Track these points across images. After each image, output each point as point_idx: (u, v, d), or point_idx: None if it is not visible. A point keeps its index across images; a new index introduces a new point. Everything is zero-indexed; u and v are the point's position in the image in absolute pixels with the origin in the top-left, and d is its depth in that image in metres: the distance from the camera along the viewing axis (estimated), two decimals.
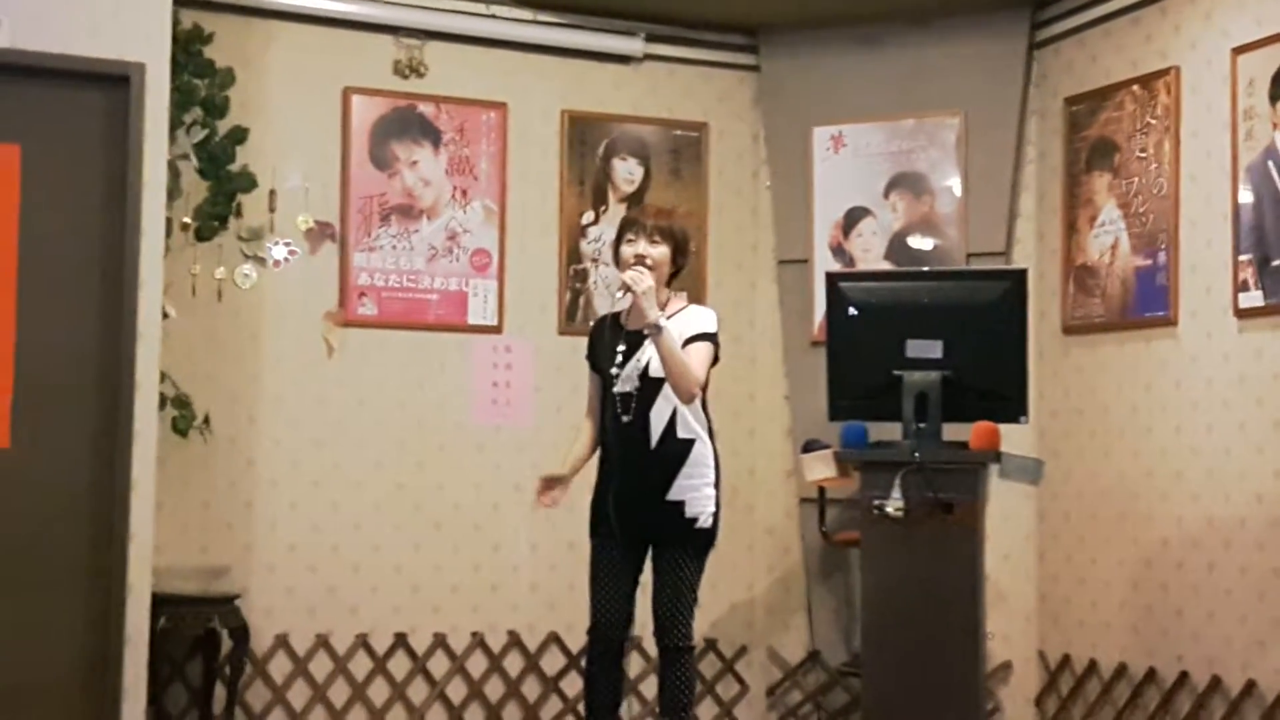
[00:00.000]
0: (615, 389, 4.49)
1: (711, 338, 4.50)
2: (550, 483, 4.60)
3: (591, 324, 4.92)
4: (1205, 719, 5.13)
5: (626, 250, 4.52)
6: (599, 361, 4.59)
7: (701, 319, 4.54)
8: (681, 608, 4.44)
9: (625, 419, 4.46)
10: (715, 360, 4.53)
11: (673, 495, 4.44)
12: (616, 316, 4.60)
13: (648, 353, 4.44)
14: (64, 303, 4.97)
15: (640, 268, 4.44)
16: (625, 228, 4.60)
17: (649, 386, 4.45)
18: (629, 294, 4.41)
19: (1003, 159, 6.06)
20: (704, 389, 4.51)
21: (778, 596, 6.36)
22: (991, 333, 4.79)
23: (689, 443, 4.46)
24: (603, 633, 4.53)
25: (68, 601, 4.93)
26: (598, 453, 4.66)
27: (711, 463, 4.52)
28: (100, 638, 4.93)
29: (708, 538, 4.50)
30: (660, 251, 4.51)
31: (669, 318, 4.43)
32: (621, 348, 4.50)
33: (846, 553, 5.98)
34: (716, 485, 4.52)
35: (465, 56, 6.05)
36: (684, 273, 4.77)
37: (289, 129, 5.78)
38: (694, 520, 4.45)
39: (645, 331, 4.39)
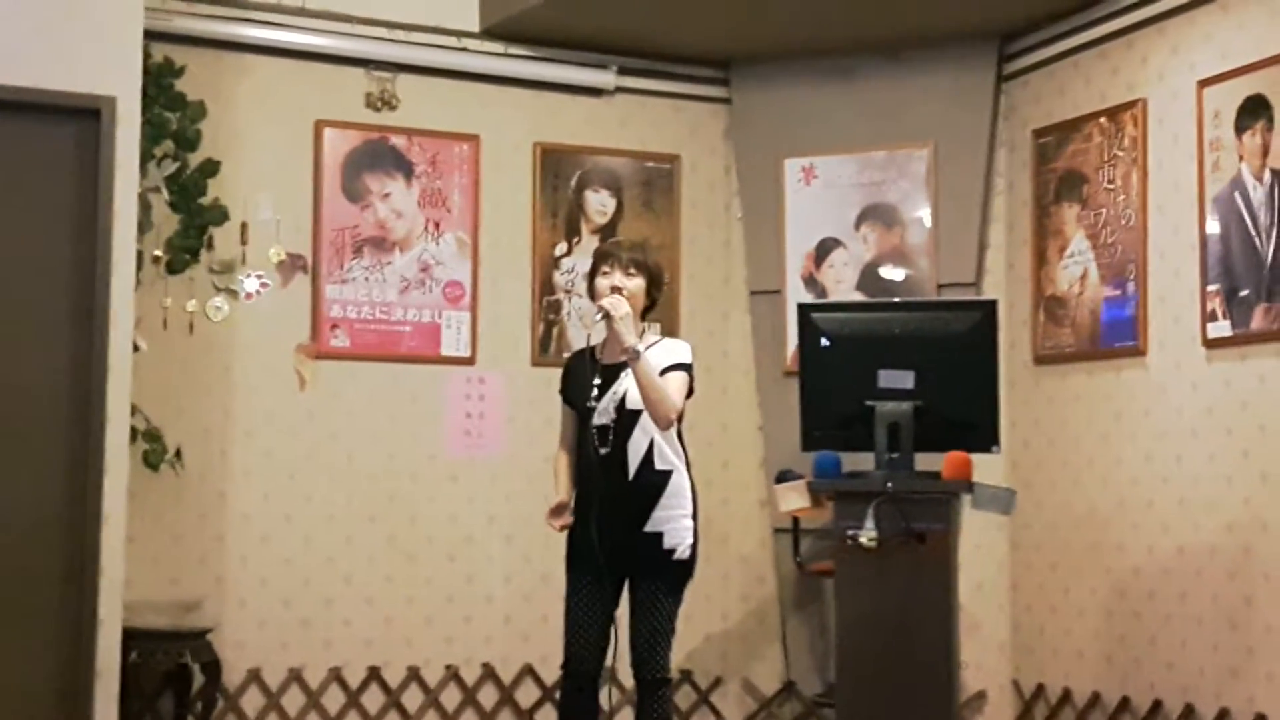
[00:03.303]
0: (592, 422, 4.48)
1: (687, 368, 4.50)
2: (558, 509, 4.57)
3: (566, 356, 4.90)
4: None
5: (602, 282, 4.52)
6: (574, 395, 4.58)
7: (676, 350, 4.55)
8: (659, 640, 4.42)
9: (603, 451, 4.45)
10: (690, 391, 4.54)
11: (650, 527, 4.43)
12: (592, 351, 4.60)
13: (624, 385, 4.44)
14: (34, 336, 4.95)
15: (617, 296, 4.45)
16: (600, 260, 4.60)
17: (626, 419, 4.44)
18: (606, 320, 4.41)
19: (972, 190, 6.11)
20: (680, 420, 4.51)
21: (752, 627, 6.36)
22: (963, 363, 4.81)
23: (667, 474, 4.46)
24: (577, 666, 4.51)
25: (38, 635, 4.89)
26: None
27: (689, 493, 4.52)
28: (71, 672, 4.89)
29: (686, 569, 4.49)
30: (636, 283, 4.51)
31: (645, 350, 4.44)
32: (598, 381, 4.49)
33: (821, 583, 5.99)
34: (694, 516, 4.52)
35: (437, 89, 6.07)
36: (659, 304, 4.76)
37: (261, 162, 5.78)
38: (672, 551, 4.44)
39: (622, 357, 4.39)
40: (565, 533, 4.59)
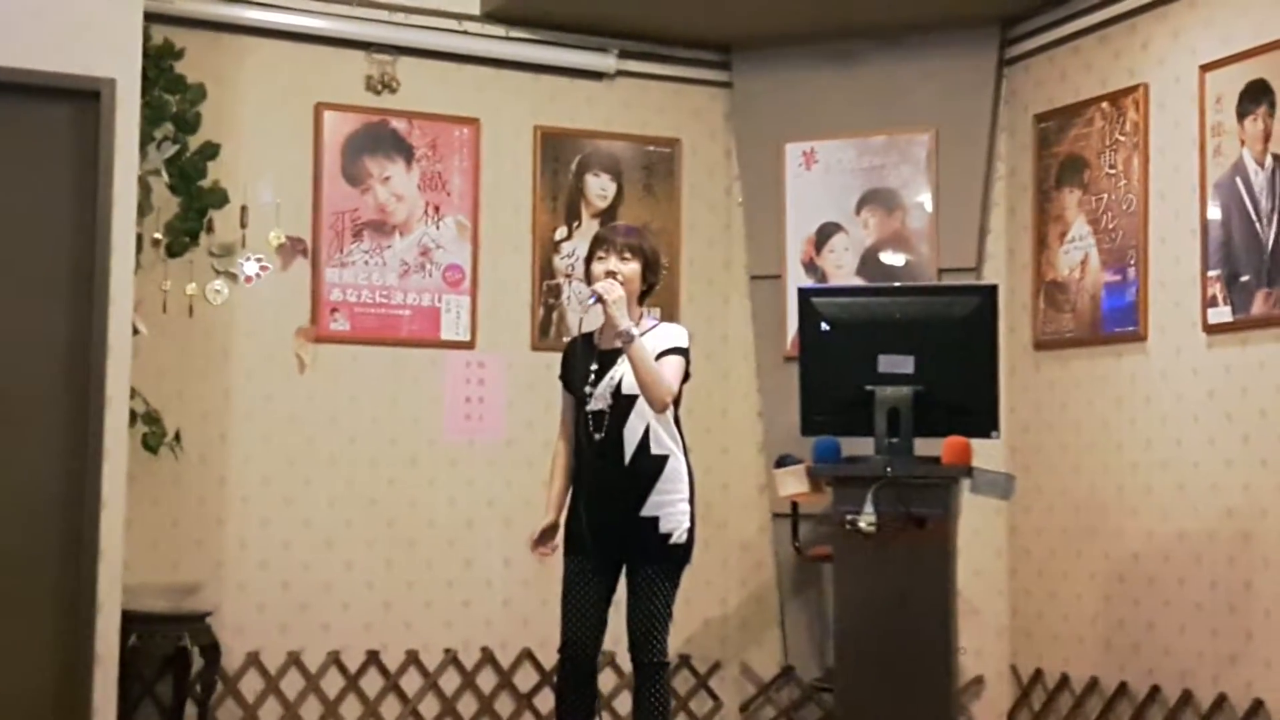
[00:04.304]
0: (588, 407, 4.49)
1: (683, 352, 4.51)
2: (544, 535, 4.59)
3: (565, 340, 4.89)
4: None
5: (597, 267, 4.53)
6: (572, 380, 4.59)
7: (673, 334, 4.56)
8: (656, 624, 4.43)
9: (598, 436, 4.46)
10: (687, 376, 4.54)
11: (646, 511, 4.43)
12: (590, 336, 4.60)
13: (620, 370, 4.45)
14: (33, 319, 4.94)
15: (611, 280, 4.45)
16: (596, 245, 4.61)
17: (622, 404, 4.45)
18: (599, 303, 4.41)
19: (973, 175, 6.10)
20: (676, 404, 4.51)
21: (751, 612, 6.36)
22: (963, 348, 4.81)
23: (663, 459, 4.46)
24: (574, 651, 4.52)
25: (37, 619, 4.90)
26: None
27: (685, 478, 4.52)
28: (70, 656, 4.90)
29: (682, 554, 4.49)
30: (631, 268, 4.52)
31: (641, 335, 4.44)
32: (594, 366, 4.50)
33: (819, 568, 5.99)
34: (691, 501, 4.52)
35: (438, 72, 6.06)
36: (657, 288, 4.76)
37: (261, 144, 5.77)
38: (668, 536, 4.45)
39: (617, 341, 4.39)
40: (565, 518, 4.59)
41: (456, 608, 5.97)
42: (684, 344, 4.52)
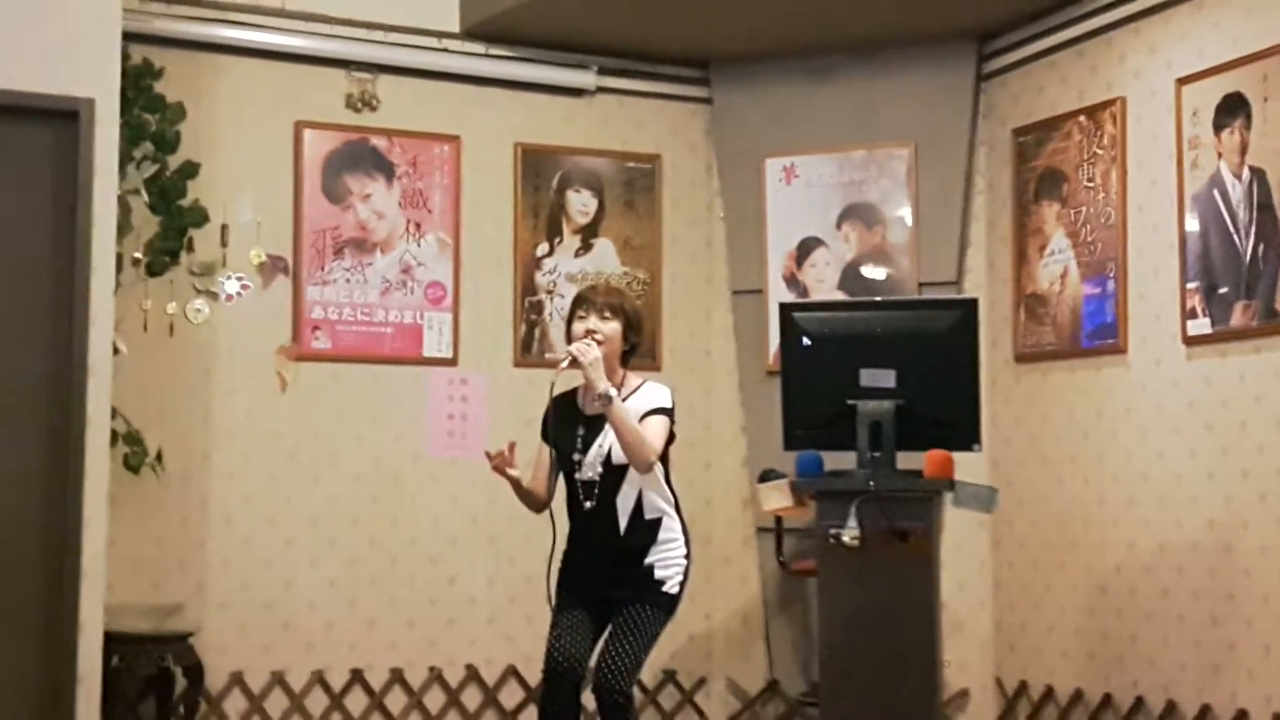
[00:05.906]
0: (578, 475, 4.44)
1: (668, 413, 4.45)
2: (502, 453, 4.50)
3: (547, 402, 4.52)
4: None
5: (578, 326, 4.46)
6: (558, 443, 4.51)
7: (657, 395, 4.49)
8: (627, 666, 4.33)
9: (589, 505, 4.42)
10: (673, 437, 4.49)
11: (643, 565, 4.42)
12: (573, 399, 4.55)
13: (609, 438, 4.38)
14: (13, 339, 4.93)
15: (589, 340, 4.41)
16: (576, 304, 4.54)
17: (613, 474, 4.39)
18: (574, 365, 4.35)
19: (953, 189, 6.12)
20: (666, 464, 4.48)
21: (736, 627, 6.36)
22: (944, 361, 4.82)
23: (656, 521, 4.43)
24: (558, 668, 4.49)
25: (19, 641, 4.87)
26: (567, 529, 4.56)
27: (679, 533, 4.48)
28: (52, 677, 4.87)
29: (671, 601, 4.46)
30: (611, 327, 4.45)
31: (625, 398, 4.39)
32: (581, 431, 4.45)
33: (804, 582, 5.99)
34: (687, 556, 4.50)
35: (417, 90, 6.06)
36: (639, 349, 4.63)
37: (240, 163, 5.76)
38: (661, 583, 4.43)
39: (595, 401, 4.34)
40: (560, 567, 4.52)
41: (441, 626, 5.95)
42: (667, 404, 4.47)
